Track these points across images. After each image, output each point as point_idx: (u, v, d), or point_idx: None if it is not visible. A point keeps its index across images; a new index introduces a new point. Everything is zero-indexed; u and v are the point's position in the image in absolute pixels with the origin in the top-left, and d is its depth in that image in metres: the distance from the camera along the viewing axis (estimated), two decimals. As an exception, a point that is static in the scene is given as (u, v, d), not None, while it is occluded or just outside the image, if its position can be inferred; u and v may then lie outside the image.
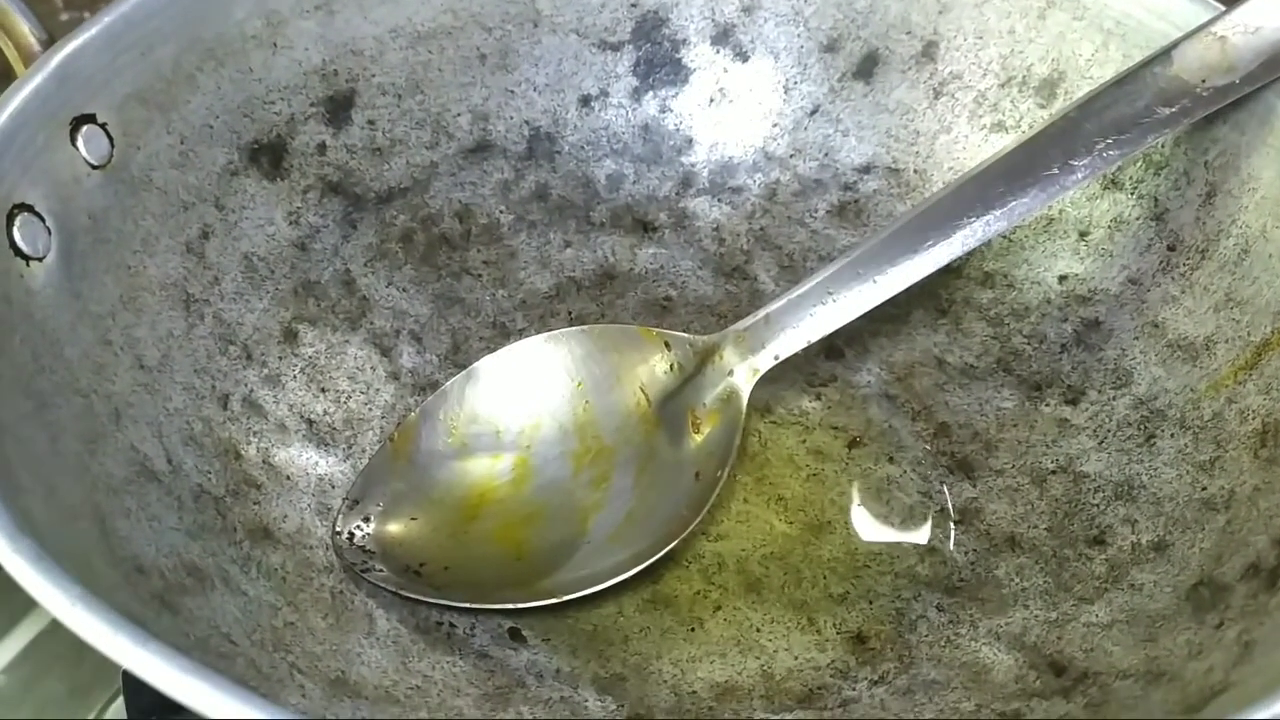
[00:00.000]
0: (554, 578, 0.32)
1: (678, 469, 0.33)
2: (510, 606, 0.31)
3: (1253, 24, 0.31)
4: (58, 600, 0.20)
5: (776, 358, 0.34)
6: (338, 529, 0.32)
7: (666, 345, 0.35)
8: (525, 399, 0.35)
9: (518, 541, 0.33)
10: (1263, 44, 0.31)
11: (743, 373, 0.34)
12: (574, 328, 0.35)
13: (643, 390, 0.34)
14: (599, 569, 0.32)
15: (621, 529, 0.33)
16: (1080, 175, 0.32)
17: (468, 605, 0.31)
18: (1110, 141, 0.32)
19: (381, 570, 0.31)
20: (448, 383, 0.35)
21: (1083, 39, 0.36)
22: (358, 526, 0.32)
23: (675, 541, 0.32)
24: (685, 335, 0.35)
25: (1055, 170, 0.32)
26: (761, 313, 0.34)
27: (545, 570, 0.32)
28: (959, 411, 0.37)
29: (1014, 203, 0.32)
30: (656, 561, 0.32)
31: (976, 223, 0.32)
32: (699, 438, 0.34)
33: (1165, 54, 0.32)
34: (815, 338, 0.34)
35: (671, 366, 0.34)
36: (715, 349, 0.34)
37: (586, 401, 0.34)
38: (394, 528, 0.32)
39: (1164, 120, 0.32)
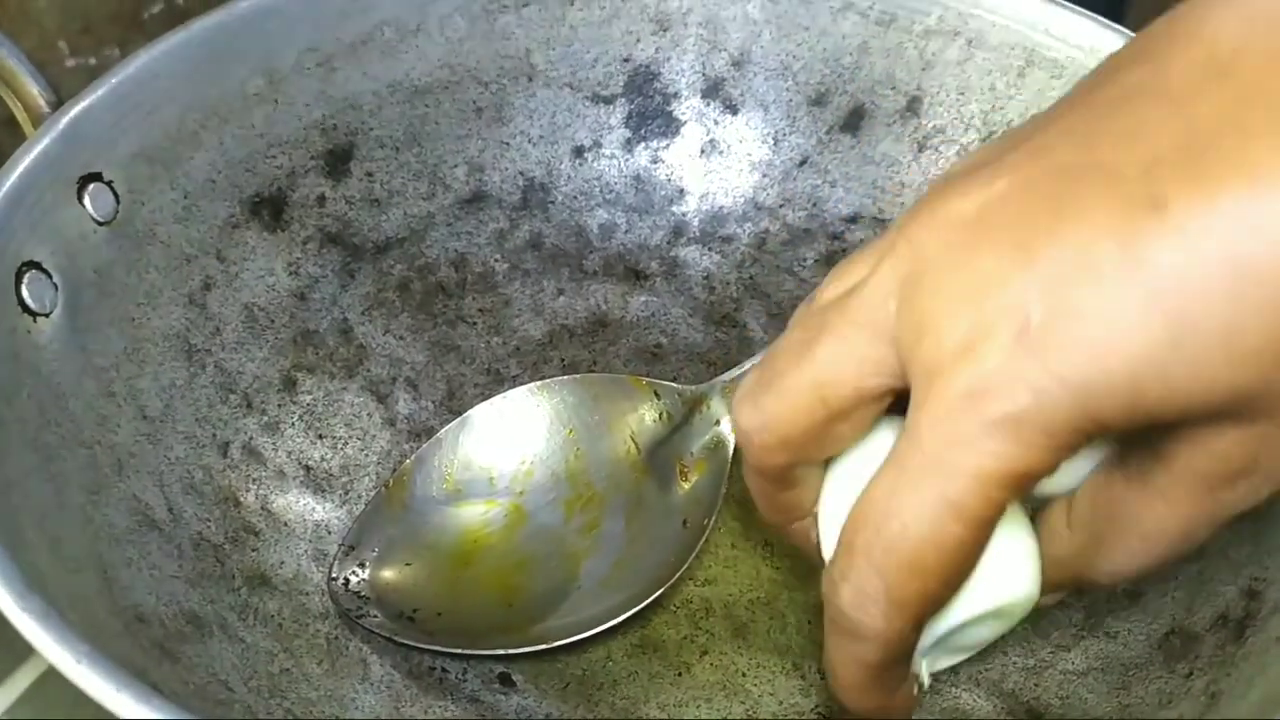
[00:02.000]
0: (545, 624, 0.32)
1: (666, 516, 0.34)
2: (502, 653, 0.32)
3: None
4: (65, 658, 0.21)
5: None
6: (333, 575, 0.33)
7: (656, 394, 0.35)
8: (518, 447, 0.35)
9: (509, 587, 0.33)
10: None
11: (729, 423, 0.35)
12: (566, 377, 0.36)
13: (633, 439, 0.35)
14: (589, 615, 0.32)
15: (611, 575, 0.33)
16: None
17: (460, 651, 0.32)
18: None
19: (376, 616, 0.32)
20: (442, 430, 0.36)
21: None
22: (353, 572, 0.33)
23: (663, 588, 0.33)
24: (674, 385, 0.36)
25: None
26: (747, 364, 0.35)
27: (536, 616, 0.33)
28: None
29: None
30: (646, 607, 0.33)
31: None
32: (687, 486, 0.35)
33: None
34: None
35: (660, 415, 0.35)
36: (703, 399, 0.35)
37: (578, 449, 0.35)
38: (388, 574, 0.33)
39: None
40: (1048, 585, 0.26)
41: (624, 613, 0.32)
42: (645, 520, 0.34)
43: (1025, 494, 0.22)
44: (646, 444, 0.35)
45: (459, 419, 0.36)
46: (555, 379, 0.36)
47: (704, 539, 0.33)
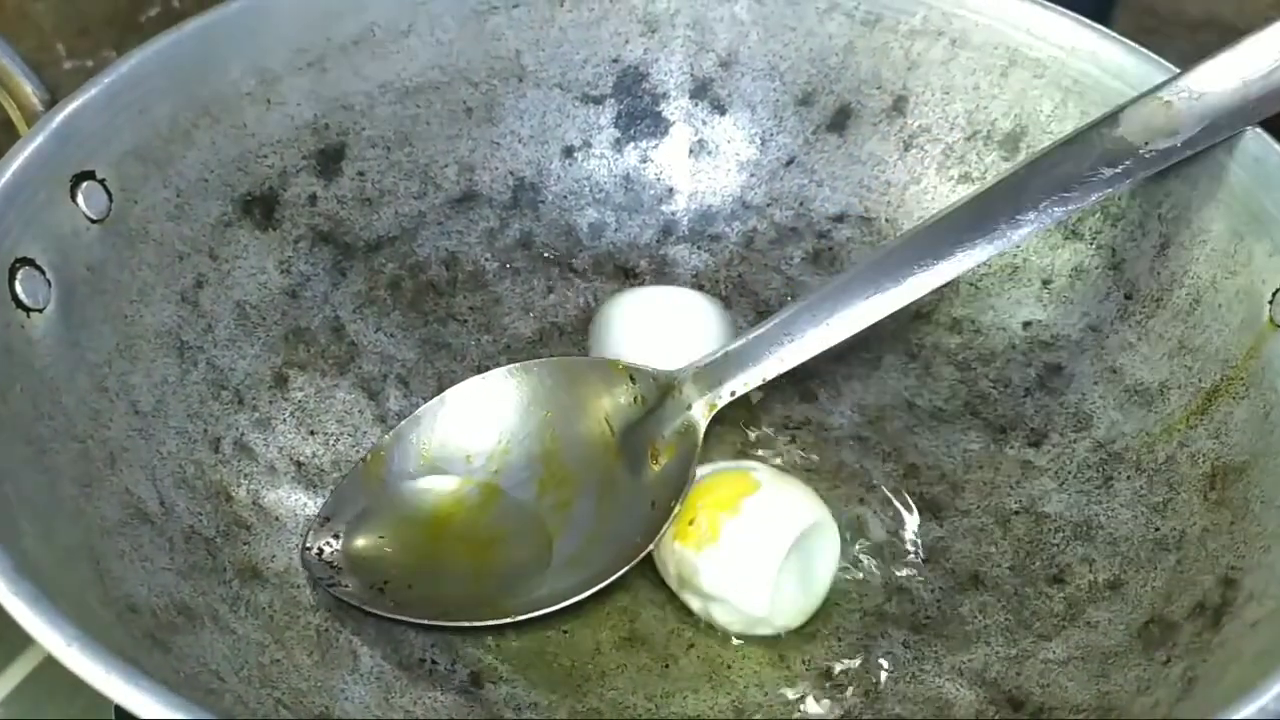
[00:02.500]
0: (515, 599, 0.33)
1: (635, 497, 0.34)
2: (469, 625, 0.32)
3: (1197, 90, 0.33)
4: (55, 641, 0.22)
5: (733, 394, 0.35)
6: (307, 544, 0.33)
7: (631, 378, 0.36)
8: (495, 426, 0.36)
9: (481, 563, 0.34)
10: (1205, 109, 0.33)
11: (700, 408, 0.35)
12: (544, 359, 0.37)
13: (607, 421, 0.36)
14: (557, 590, 0.33)
15: (581, 553, 0.34)
16: (1026, 230, 0.33)
17: (428, 623, 0.32)
18: (1055, 198, 0.33)
19: (347, 586, 0.33)
20: (421, 408, 0.36)
21: (1043, 96, 0.38)
22: (327, 543, 0.34)
23: (628, 566, 0.33)
24: (649, 369, 0.36)
25: (1002, 224, 0.33)
26: (720, 351, 0.35)
27: (507, 592, 0.33)
28: (928, 453, 0.38)
29: (962, 254, 0.33)
30: (633, 598, 0.34)
31: (926, 271, 0.34)
32: (657, 468, 0.35)
33: (1113, 116, 0.33)
34: (771, 375, 0.35)
35: (635, 399, 0.36)
36: (676, 384, 0.35)
37: (554, 430, 0.36)
38: (361, 545, 0.34)
39: (1107, 180, 0.33)
40: None
41: (589, 589, 0.33)
42: (616, 500, 0.35)
43: None
44: (620, 426, 0.35)
45: (437, 398, 0.36)
46: (534, 361, 0.37)
47: (670, 520, 0.34)
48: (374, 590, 0.33)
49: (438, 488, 0.35)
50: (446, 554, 0.34)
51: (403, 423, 0.36)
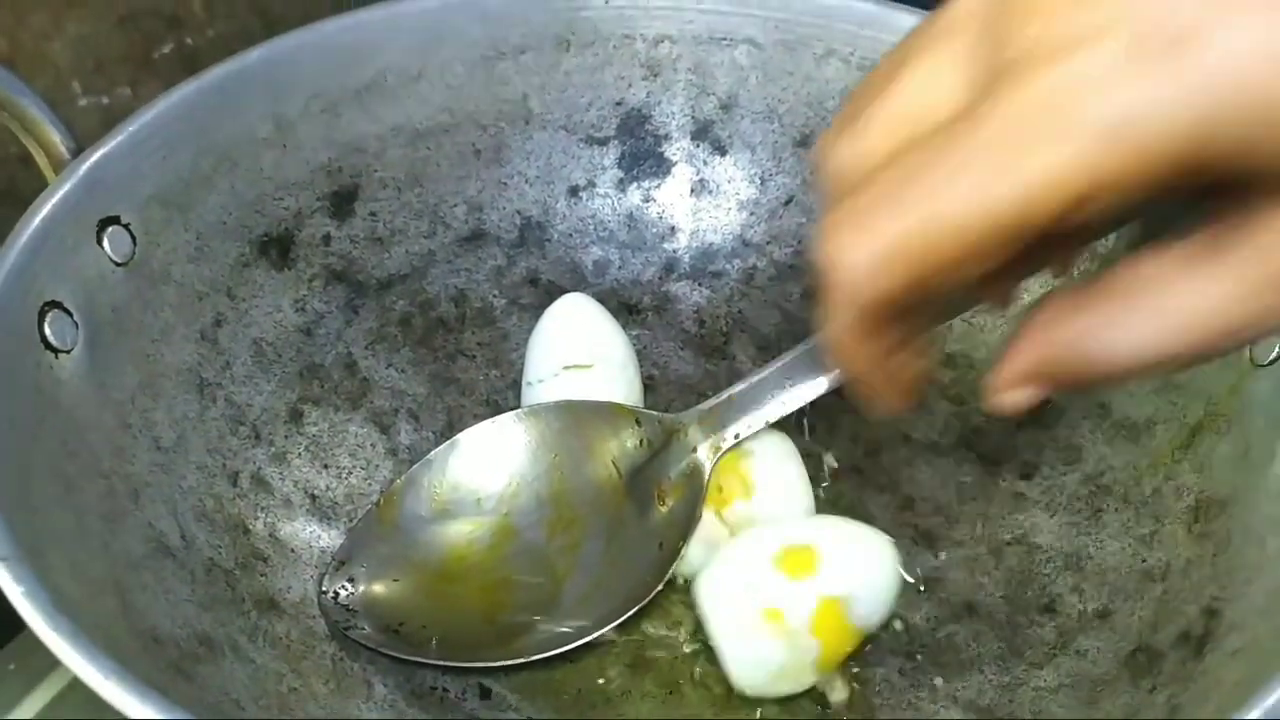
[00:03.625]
0: (526, 639, 0.34)
1: (643, 539, 0.36)
2: (483, 665, 0.34)
3: None
4: (92, 674, 0.23)
5: (737, 436, 0.36)
6: (324, 588, 0.35)
7: (637, 422, 0.37)
8: (505, 469, 0.37)
9: (493, 604, 0.35)
10: None
11: (705, 450, 0.36)
12: (552, 402, 0.38)
13: (614, 464, 0.37)
14: (567, 630, 0.34)
15: (590, 594, 0.35)
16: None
17: (443, 664, 0.33)
18: None
19: (364, 629, 0.34)
20: (433, 452, 0.37)
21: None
22: (343, 586, 0.35)
23: (638, 606, 0.34)
24: (655, 413, 0.37)
25: None
26: (725, 394, 0.36)
27: (518, 631, 0.34)
28: (923, 485, 0.39)
29: None
30: (641, 628, 0.35)
31: None
32: (664, 510, 0.36)
33: None
34: (774, 419, 0.36)
35: (641, 442, 0.37)
36: (681, 427, 0.37)
37: (562, 473, 0.37)
38: (377, 588, 0.35)
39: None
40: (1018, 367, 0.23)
41: (599, 629, 0.34)
42: (624, 542, 0.36)
43: (1067, 221, 0.20)
44: (627, 469, 0.37)
45: (449, 442, 0.37)
46: (542, 404, 0.38)
47: (677, 562, 0.35)
48: (389, 633, 0.34)
49: (450, 530, 0.36)
50: (459, 595, 0.35)
51: (415, 466, 0.37)
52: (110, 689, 0.23)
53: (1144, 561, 0.34)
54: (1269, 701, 0.24)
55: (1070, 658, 0.33)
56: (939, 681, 0.34)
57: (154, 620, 0.30)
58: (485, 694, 0.34)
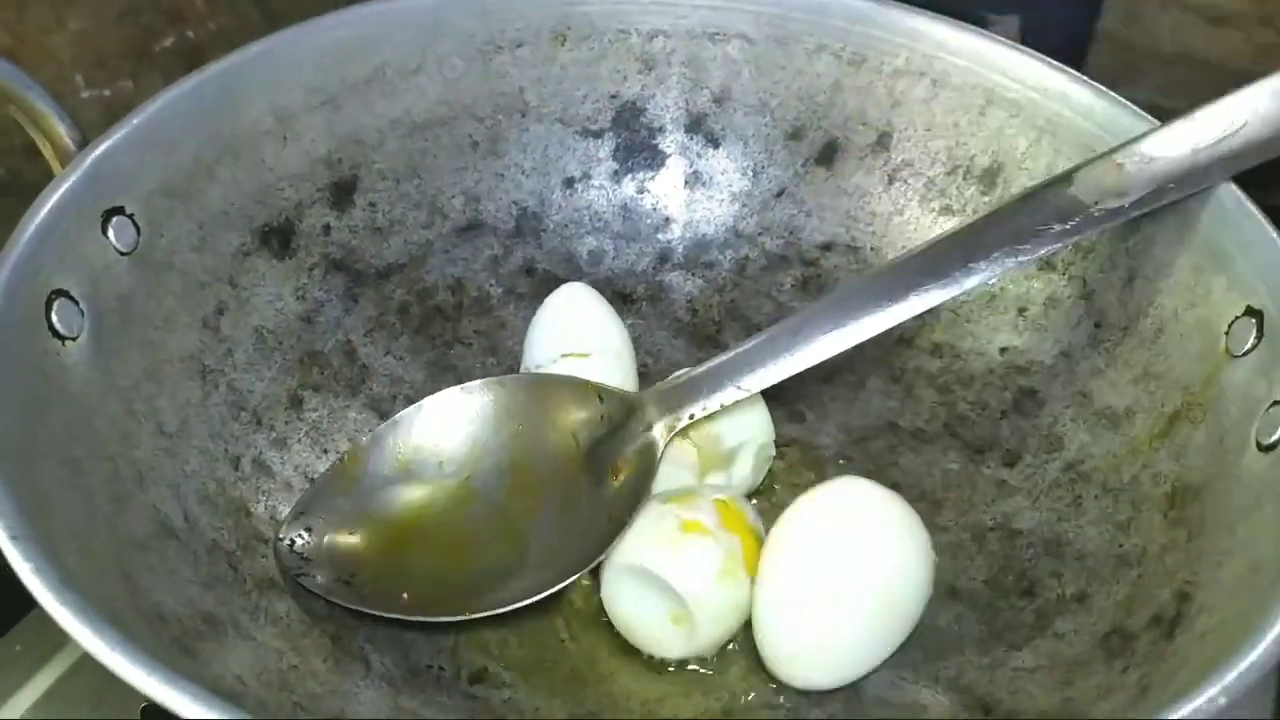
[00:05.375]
0: (477, 599, 0.35)
1: (595, 510, 0.36)
2: (424, 619, 0.34)
3: (1148, 155, 0.34)
4: (100, 647, 0.24)
5: (692, 417, 0.37)
6: (280, 535, 0.35)
7: (600, 397, 0.38)
8: (469, 435, 0.38)
9: (448, 563, 0.36)
10: (1155, 174, 0.34)
11: (660, 429, 0.37)
12: (520, 374, 0.39)
13: (574, 436, 0.37)
14: (515, 591, 0.35)
15: (541, 560, 0.36)
16: (977, 278, 0.35)
17: (387, 615, 0.34)
18: (1007, 249, 0.35)
19: (315, 577, 0.35)
20: (400, 413, 0.38)
21: (1019, 134, 0.40)
22: (299, 534, 0.35)
23: (581, 573, 0.35)
24: (616, 390, 0.38)
25: (955, 272, 0.35)
26: (684, 375, 0.37)
27: (470, 591, 0.35)
28: (909, 472, 0.40)
29: (915, 297, 0.35)
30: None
31: (880, 312, 0.35)
32: (617, 483, 0.37)
33: (1068, 175, 0.35)
34: (729, 402, 0.37)
35: (602, 417, 0.37)
36: (640, 405, 0.37)
37: (524, 442, 0.37)
38: (332, 540, 0.36)
39: (1056, 235, 0.35)
40: None
41: (542, 592, 0.35)
42: (577, 511, 0.36)
43: None
44: (586, 442, 0.37)
45: (416, 405, 0.38)
46: (510, 376, 0.39)
47: (623, 533, 0.35)
48: (340, 582, 0.35)
49: (410, 490, 0.37)
50: (414, 553, 0.36)
51: (381, 426, 0.38)
52: (117, 660, 0.24)
53: (1121, 547, 0.34)
54: (1231, 678, 0.25)
55: (1048, 640, 0.34)
56: (922, 662, 0.35)
57: (158, 599, 0.30)
58: (477, 671, 0.35)
